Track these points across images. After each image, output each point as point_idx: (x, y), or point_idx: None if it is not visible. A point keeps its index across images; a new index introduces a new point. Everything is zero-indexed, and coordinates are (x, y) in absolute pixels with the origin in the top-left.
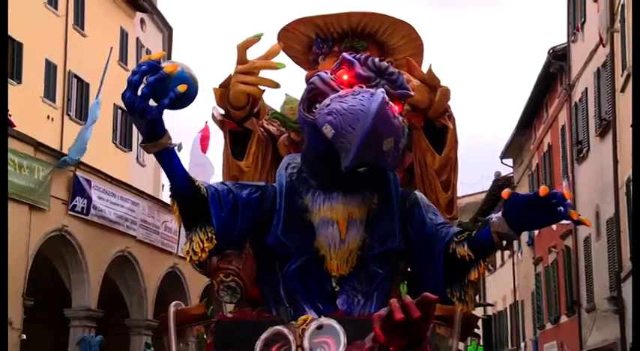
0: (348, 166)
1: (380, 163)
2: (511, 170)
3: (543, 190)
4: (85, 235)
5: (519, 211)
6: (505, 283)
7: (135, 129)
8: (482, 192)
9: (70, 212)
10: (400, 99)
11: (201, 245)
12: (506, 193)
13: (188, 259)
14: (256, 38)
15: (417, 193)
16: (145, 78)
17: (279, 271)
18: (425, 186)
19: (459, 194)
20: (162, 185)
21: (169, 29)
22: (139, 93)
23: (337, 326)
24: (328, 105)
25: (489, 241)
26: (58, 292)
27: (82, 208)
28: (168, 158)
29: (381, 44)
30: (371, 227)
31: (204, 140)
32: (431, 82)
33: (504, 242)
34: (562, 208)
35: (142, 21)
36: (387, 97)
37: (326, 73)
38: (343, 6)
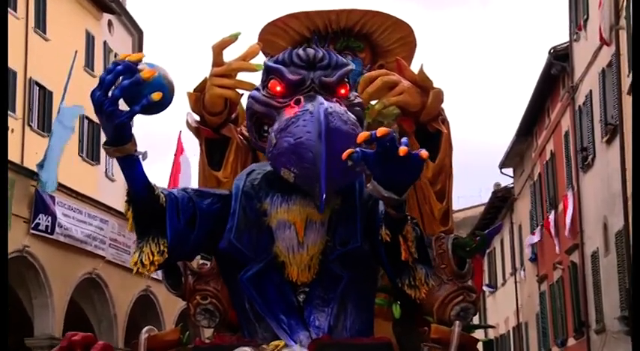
0: (323, 207)
1: (351, 179)
2: (511, 181)
3: (361, 136)
4: (48, 256)
5: (379, 168)
6: (507, 303)
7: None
8: (481, 205)
9: (32, 231)
10: (342, 82)
11: (151, 258)
12: (345, 153)
13: (135, 270)
14: (233, 38)
15: None
16: (118, 79)
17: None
18: (417, 196)
19: (455, 208)
20: None
21: (139, 32)
22: (110, 94)
23: None
24: (275, 143)
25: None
26: (18, 319)
27: (46, 226)
28: (130, 165)
29: (375, 46)
30: (333, 230)
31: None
32: (422, 84)
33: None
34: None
35: (110, 23)
36: (327, 105)
37: (258, 90)
38: (320, 6)
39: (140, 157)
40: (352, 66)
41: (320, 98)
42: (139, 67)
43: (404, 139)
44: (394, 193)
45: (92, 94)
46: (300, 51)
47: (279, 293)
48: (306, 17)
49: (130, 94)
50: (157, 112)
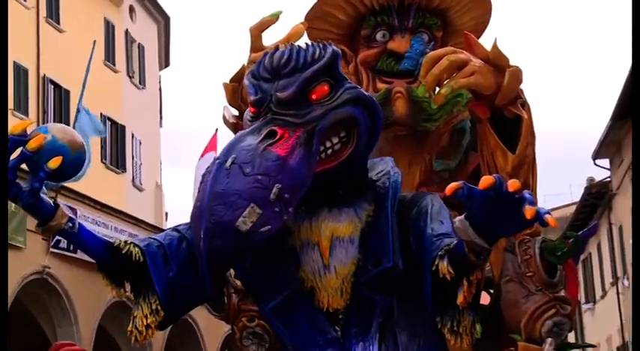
0: (209, 286)
1: (246, 249)
2: (608, 173)
3: (485, 181)
4: (72, 277)
5: (482, 211)
6: (609, 319)
7: (128, 146)
8: (572, 204)
9: (52, 250)
10: (307, 87)
11: (145, 321)
12: (450, 188)
13: (133, 339)
14: (274, 18)
15: (431, 197)
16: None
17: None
18: None
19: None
20: (166, 213)
21: (165, 18)
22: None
23: None
24: None
25: (464, 252)
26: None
27: (68, 243)
28: (72, 237)
29: (447, 24)
30: (365, 246)
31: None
32: (497, 62)
33: (478, 255)
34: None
35: (132, 9)
36: (227, 156)
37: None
38: None
39: (72, 226)
40: (326, 59)
41: (225, 148)
42: (31, 134)
43: (528, 195)
44: (486, 240)
45: None
46: (267, 59)
47: (312, 323)
48: None
49: (31, 167)
50: (71, 175)
